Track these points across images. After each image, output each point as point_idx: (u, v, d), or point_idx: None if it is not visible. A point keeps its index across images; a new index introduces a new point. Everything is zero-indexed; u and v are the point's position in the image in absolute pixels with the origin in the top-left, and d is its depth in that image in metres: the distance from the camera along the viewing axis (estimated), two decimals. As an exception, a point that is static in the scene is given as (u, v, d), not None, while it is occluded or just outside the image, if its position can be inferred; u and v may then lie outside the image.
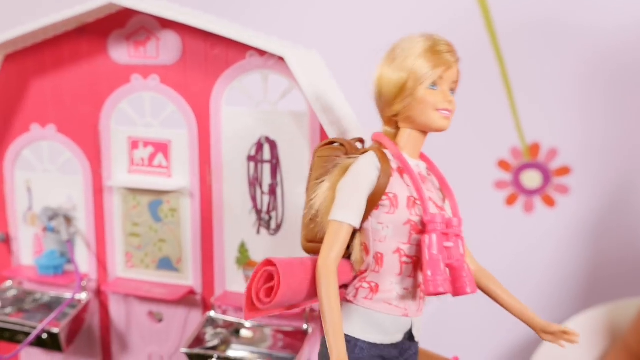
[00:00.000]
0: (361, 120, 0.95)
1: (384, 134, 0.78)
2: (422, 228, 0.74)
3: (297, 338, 1.03)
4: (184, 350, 1.03)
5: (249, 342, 1.05)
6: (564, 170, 1.80)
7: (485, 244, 1.72)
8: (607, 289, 1.71)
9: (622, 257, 1.72)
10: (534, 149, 1.81)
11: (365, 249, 0.76)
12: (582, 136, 1.72)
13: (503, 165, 1.75)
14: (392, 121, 0.78)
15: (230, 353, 1.02)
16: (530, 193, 1.80)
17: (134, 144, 1.09)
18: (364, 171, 0.74)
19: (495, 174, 1.74)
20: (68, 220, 1.13)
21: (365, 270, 0.76)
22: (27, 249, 1.18)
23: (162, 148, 1.07)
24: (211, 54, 1.02)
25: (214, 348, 1.04)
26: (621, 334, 1.44)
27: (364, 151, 0.77)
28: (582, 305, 1.71)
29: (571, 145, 1.75)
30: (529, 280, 1.72)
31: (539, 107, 1.69)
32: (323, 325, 0.70)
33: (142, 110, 1.07)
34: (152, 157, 1.08)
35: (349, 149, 0.79)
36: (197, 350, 1.02)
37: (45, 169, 1.14)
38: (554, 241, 1.75)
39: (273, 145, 1.01)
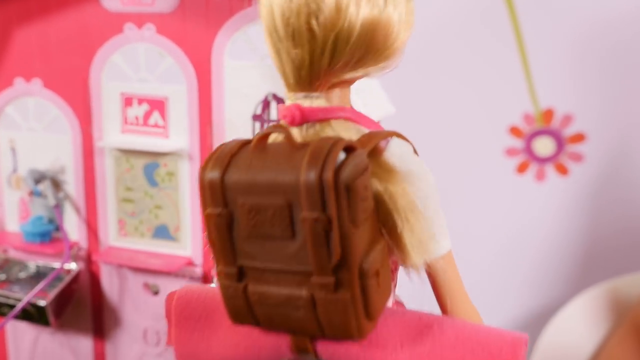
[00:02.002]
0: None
1: (341, 104, 0.50)
2: None
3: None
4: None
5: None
6: (579, 137, 1.69)
7: (495, 212, 1.64)
8: (621, 259, 1.62)
9: (637, 227, 1.63)
10: (548, 114, 1.70)
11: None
12: (599, 102, 1.62)
13: (514, 131, 1.64)
14: (344, 82, 0.50)
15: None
16: (543, 161, 1.69)
17: (128, 101, 0.97)
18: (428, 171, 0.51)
19: (506, 140, 1.63)
20: (56, 183, 1.02)
21: None
22: (12, 215, 1.07)
23: (158, 105, 0.96)
24: (212, 0, 0.90)
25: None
26: (630, 312, 1.35)
27: (382, 136, 0.50)
28: (596, 276, 1.62)
29: (587, 111, 1.64)
30: (539, 250, 1.63)
31: (554, 71, 1.58)
32: None
33: (136, 63, 0.95)
34: (147, 115, 0.96)
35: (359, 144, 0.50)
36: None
37: (30, 127, 1.02)
38: (567, 211, 1.66)
39: (281, 103, 0.90)
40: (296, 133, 0.48)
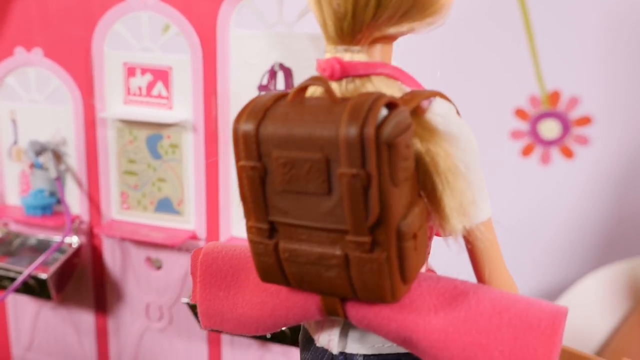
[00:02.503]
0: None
1: (383, 60, 0.47)
2: None
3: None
4: (185, 300, 0.91)
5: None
6: (585, 120, 1.67)
7: (499, 196, 1.61)
8: (627, 244, 1.60)
9: (643, 211, 1.61)
10: (554, 97, 1.67)
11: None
12: (605, 85, 1.59)
13: (520, 114, 1.62)
14: (387, 38, 0.47)
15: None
16: (548, 144, 1.67)
17: (131, 71, 0.94)
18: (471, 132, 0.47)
19: (512, 123, 1.61)
20: (57, 155, 1.00)
21: None
22: (12, 188, 1.04)
23: (162, 76, 0.93)
24: (219, -33, 0.87)
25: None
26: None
27: (425, 95, 0.46)
28: (600, 261, 1.60)
29: (593, 94, 1.62)
30: (544, 234, 1.60)
31: (561, 52, 1.56)
32: None
33: (139, 32, 0.93)
34: (150, 85, 0.94)
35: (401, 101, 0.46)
36: (199, 301, 0.90)
37: (31, 98, 1.00)
38: (572, 194, 1.64)
39: (288, 73, 0.87)
40: (335, 88, 0.45)
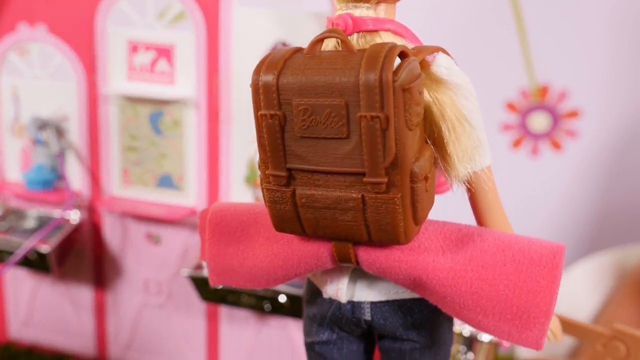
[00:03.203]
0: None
1: (390, 17, 0.50)
2: None
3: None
4: (186, 272, 0.91)
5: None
6: (574, 114, 1.69)
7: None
8: (615, 236, 1.62)
9: (631, 204, 1.63)
10: (544, 90, 1.69)
11: None
12: (594, 78, 1.61)
13: (510, 107, 1.64)
14: None
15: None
16: (537, 137, 1.69)
17: (134, 48, 0.95)
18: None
19: (501, 116, 1.62)
20: (59, 131, 1.00)
21: None
22: (14, 163, 1.05)
23: (165, 53, 0.94)
24: (223, -55, 0.88)
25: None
26: (632, 275, 1.35)
27: (429, 50, 0.49)
28: (588, 251, 1.62)
29: (583, 88, 1.64)
30: (533, 226, 1.62)
31: (551, 46, 1.58)
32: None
33: (143, 9, 0.93)
34: (153, 62, 0.95)
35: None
36: (201, 274, 0.90)
37: (34, 74, 1.01)
38: (561, 187, 1.65)
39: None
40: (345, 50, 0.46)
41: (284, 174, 0.45)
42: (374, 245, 0.47)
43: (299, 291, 0.86)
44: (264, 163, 0.46)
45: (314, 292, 0.55)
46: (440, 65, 0.47)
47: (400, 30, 0.49)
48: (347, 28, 0.47)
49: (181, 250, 0.98)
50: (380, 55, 0.42)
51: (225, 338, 0.98)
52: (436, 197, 0.49)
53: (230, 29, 0.89)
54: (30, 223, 1.02)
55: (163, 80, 0.94)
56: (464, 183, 0.47)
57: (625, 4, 1.49)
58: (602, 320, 1.13)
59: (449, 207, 0.58)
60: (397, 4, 0.50)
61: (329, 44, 0.48)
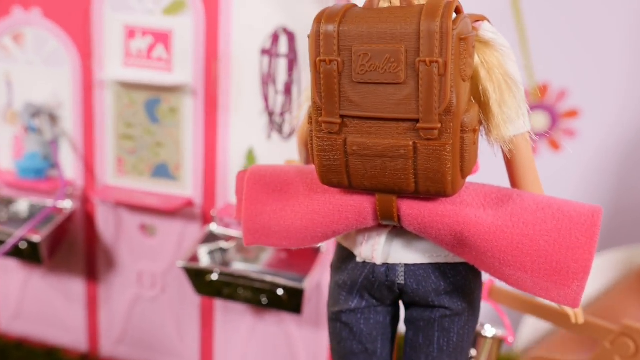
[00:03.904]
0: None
1: None
2: None
3: (308, 257, 0.89)
4: (181, 264, 0.88)
5: (253, 260, 0.90)
6: (573, 113, 1.67)
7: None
8: (616, 236, 1.59)
9: (631, 204, 1.61)
10: (543, 89, 1.67)
11: None
12: (594, 78, 1.59)
13: (509, 105, 1.62)
14: None
15: (233, 270, 0.88)
16: (536, 136, 1.67)
17: (131, 33, 0.92)
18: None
19: (501, 114, 1.61)
20: (53, 118, 0.97)
21: None
22: (5, 151, 1.01)
23: (162, 38, 0.91)
24: None
25: (214, 264, 0.89)
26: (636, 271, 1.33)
27: (476, 17, 0.51)
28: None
29: (582, 87, 1.62)
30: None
31: (551, 46, 1.56)
32: None
33: (141, -6, 0.91)
34: (150, 48, 0.91)
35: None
36: (197, 265, 0.87)
37: (28, 60, 0.97)
38: (558, 187, 1.63)
39: (291, 38, 0.85)
40: (395, 2, 0.48)
41: (337, 120, 0.46)
42: (417, 200, 0.48)
43: (297, 285, 0.83)
44: (317, 111, 0.47)
45: (345, 258, 0.55)
46: (487, 30, 0.49)
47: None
48: None
49: (176, 242, 0.95)
50: (439, 6, 0.44)
51: (220, 333, 0.95)
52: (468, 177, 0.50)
53: (229, 14, 0.87)
54: (22, 212, 0.99)
55: (160, 67, 0.91)
56: (505, 146, 0.48)
57: (624, 3, 1.47)
58: (599, 308, 1.10)
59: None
60: None
61: (384, 5, 0.49)
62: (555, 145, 1.69)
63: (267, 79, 0.87)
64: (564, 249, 0.47)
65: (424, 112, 0.44)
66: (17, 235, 0.91)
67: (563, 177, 1.67)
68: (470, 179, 0.51)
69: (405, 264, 0.52)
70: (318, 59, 0.45)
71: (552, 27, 1.54)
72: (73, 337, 1.02)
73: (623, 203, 1.64)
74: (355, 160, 0.47)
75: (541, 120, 1.68)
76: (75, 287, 1.01)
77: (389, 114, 0.45)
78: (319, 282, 0.89)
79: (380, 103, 0.45)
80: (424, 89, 0.44)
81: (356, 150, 0.47)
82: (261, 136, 0.89)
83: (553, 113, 1.69)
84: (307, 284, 0.83)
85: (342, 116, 0.46)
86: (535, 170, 0.53)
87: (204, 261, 0.88)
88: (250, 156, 0.90)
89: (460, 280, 0.53)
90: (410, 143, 0.45)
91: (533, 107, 1.60)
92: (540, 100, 1.69)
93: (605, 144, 1.66)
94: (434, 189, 0.47)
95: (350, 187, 0.49)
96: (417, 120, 0.45)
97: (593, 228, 0.47)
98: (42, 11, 0.94)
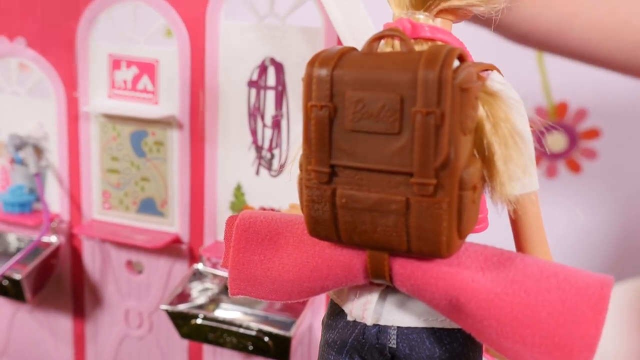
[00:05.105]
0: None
1: (446, 28, 0.47)
2: None
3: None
4: (164, 307, 0.83)
5: (241, 302, 0.85)
6: (592, 133, 1.59)
7: (503, 209, 1.53)
8: (635, 260, 1.51)
9: (651, 228, 1.53)
10: (561, 109, 1.60)
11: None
12: (613, 97, 1.52)
13: (526, 125, 1.55)
14: (449, 12, 0.47)
15: (219, 313, 0.83)
16: (554, 157, 1.60)
17: (116, 64, 0.87)
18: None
19: (517, 134, 1.54)
20: (38, 151, 0.93)
21: None
22: (-9, 183, 0.98)
23: (147, 69, 0.86)
24: (209, -45, 0.80)
25: (200, 307, 0.84)
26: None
27: (484, 66, 0.46)
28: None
29: (601, 107, 1.55)
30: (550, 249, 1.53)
31: (569, 64, 1.49)
32: None
33: (125, 23, 0.86)
34: (136, 79, 0.87)
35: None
36: (179, 308, 0.82)
37: (13, 90, 0.93)
38: (578, 209, 1.56)
39: (279, 69, 0.80)
40: (404, 47, 0.44)
41: (326, 170, 0.42)
42: (412, 259, 0.43)
43: (284, 332, 0.77)
44: (306, 159, 0.43)
45: (337, 315, 0.50)
46: (495, 80, 0.45)
47: (457, 44, 0.46)
48: (406, 32, 0.44)
49: (164, 280, 0.90)
50: (440, 54, 0.39)
51: (209, 374, 0.90)
52: (473, 235, 0.45)
53: (216, 44, 0.81)
54: (9, 246, 0.95)
55: (146, 98, 0.86)
56: (509, 206, 0.44)
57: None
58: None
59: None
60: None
61: (385, 49, 0.45)
62: (574, 166, 1.61)
63: (255, 112, 0.82)
64: (568, 323, 0.42)
65: (418, 166, 0.40)
66: (-2, 272, 0.87)
67: (583, 198, 1.60)
68: (477, 236, 0.46)
69: (398, 327, 0.48)
70: (309, 104, 0.42)
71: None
72: (61, 374, 0.98)
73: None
74: (345, 213, 0.43)
75: (560, 140, 1.61)
76: (62, 323, 0.97)
77: (382, 166, 0.41)
78: (310, 324, 0.83)
79: (372, 153, 0.41)
80: (419, 141, 0.40)
81: (345, 203, 0.42)
82: (249, 172, 0.83)
83: (572, 133, 1.62)
84: (296, 331, 0.78)
85: (332, 165, 0.42)
86: (543, 233, 0.48)
87: (191, 303, 0.83)
88: (238, 192, 0.84)
89: (457, 348, 0.48)
90: (403, 198, 0.41)
91: (551, 127, 1.53)
92: (558, 120, 1.61)
93: (626, 164, 1.58)
94: (427, 249, 0.42)
95: (339, 241, 0.44)
96: (411, 174, 0.41)
97: (602, 302, 0.42)
98: (26, 40, 0.90)
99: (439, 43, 0.45)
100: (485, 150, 0.43)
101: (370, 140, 0.41)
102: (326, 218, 0.43)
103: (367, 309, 0.47)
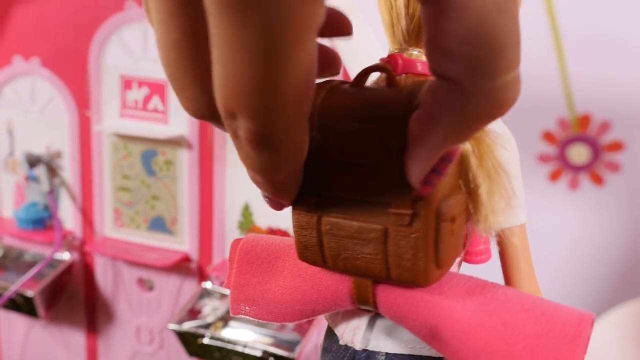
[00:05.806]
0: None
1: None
2: None
3: (304, 320, 0.83)
4: (171, 326, 0.83)
5: (250, 320, 0.85)
6: (616, 146, 1.56)
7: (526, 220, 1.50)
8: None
9: (677, 243, 1.49)
10: (584, 121, 1.57)
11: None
12: (638, 109, 1.49)
13: (548, 137, 1.52)
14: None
15: (226, 333, 0.82)
16: (577, 169, 1.57)
17: (127, 84, 0.88)
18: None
19: (539, 146, 1.51)
20: (51, 168, 0.94)
21: None
22: (7, 200, 0.99)
23: (158, 89, 0.87)
24: (217, -24, 0.80)
25: (207, 326, 0.84)
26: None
27: None
28: (629, 292, 1.49)
29: (625, 119, 1.51)
30: (570, 261, 1.50)
31: (592, 74, 1.46)
32: None
33: (137, 44, 0.87)
34: (146, 99, 0.87)
35: None
36: (186, 327, 0.82)
37: (28, 109, 0.95)
38: (601, 222, 1.53)
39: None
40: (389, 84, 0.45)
41: (313, 199, 0.43)
42: (394, 286, 0.44)
43: (288, 354, 0.77)
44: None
45: (332, 339, 0.51)
46: None
47: None
48: (397, 68, 0.45)
49: (174, 297, 0.90)
50: (421, 87, 0.39)
51: (219, 392, 0.90)
52: (475, 267, 0.46)
53: (224, 65, 0.81)
54: (22, 263, 0.96)
55: (156, 118, 0.87)
56: (495, 239, 0.43)
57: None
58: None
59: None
60: None
61: (373, 79, 0.45)
62: (597, 179, 1.58)
63: (263, 133, 0.81)
64: (541, 358, 0.41)
65: (395, 197, 0.40)
66: (11, 289, 0.88)
67: (606, 212, 1.57)
68: (480, 267, 0.46)
69: (387, 353, 0.48)
70: None
71: (593, 57, 1.45)
72: (75, 388, 0.99)
73: (671, 243, 1.52)
74: (330, 239, 0.43)
75: (582, 152, 1.58)
76: (76, 338, 0.97)
77: (365, 197, 0.42)
78: (317, 343, 0.83)
79: (355, 184, 0.42)
80: (396, 173, 0.40)
81: (329, 230, 0.43)
82: (257, 191, 0.83)
83: (595, 145, 1.59)
84: (300, 351, 0.77)
85: (318, 194, 0.43)
86: (530, 266, 0.48)
87: (200, 321, 0.83)
88: (247, 212, 0.84)
89: None
90: (382, 227, 0.41)
91: (574, 139, 1.50)
92: (581, 132, 1.58)
93: (652, 178, 1.55)
94: (406, 278, 0.42)
95: (326, 266, 0.44)
96: (390, 204, 0.41)
97: (577, 339, 0.41)
98: (41, 60, 0.91)
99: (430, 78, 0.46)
100: (470, 182, 0.43)
101: (354, 171, 0.42)
102: (313, 244, 0.44)
103: (356, 334, 0.48)
